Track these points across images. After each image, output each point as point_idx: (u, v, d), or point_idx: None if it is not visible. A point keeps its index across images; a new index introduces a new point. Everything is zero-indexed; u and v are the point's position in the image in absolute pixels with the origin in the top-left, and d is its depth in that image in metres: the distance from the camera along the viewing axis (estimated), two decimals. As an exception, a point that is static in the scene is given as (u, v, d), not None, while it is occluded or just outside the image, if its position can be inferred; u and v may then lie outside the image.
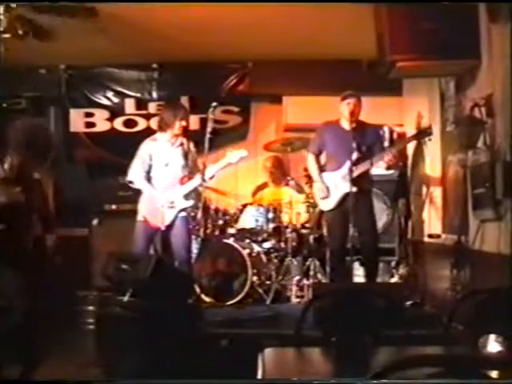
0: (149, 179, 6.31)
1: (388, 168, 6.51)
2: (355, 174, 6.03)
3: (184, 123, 6.31)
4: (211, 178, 6.32)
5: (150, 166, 6.30)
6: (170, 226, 6.23)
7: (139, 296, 5.07)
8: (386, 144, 7.30)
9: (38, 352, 4.66)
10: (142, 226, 6.25)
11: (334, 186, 6.28)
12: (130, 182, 6.39)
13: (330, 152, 6.44)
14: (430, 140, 6.28)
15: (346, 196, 6.15)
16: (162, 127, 6.35)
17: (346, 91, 6.31)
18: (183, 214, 6.27)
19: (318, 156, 6.53)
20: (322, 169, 6.47)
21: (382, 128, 7.49)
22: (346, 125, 6.29)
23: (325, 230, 6.89)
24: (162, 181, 6.29)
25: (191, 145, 6.42)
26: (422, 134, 6.27)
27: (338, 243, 6.31)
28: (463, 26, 5.31)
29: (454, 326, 3.44)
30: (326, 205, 6.40)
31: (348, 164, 6.06)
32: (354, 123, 6.22)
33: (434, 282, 6.53)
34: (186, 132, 6.42)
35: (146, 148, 6.34)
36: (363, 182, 6.18)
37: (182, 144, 6.35)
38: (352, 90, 6.32)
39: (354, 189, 5.97)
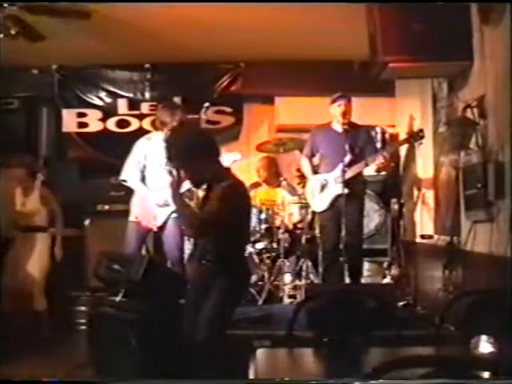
0: (142, 179, 6.26)
1: (378, 170, 6.50)
2: (349, 175, 6.06)
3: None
4: None
5: (144, 166, 6.24)
6: (162, 227, 6.20)
7: (131, 296, 5.06)
8: (379, 145, 7.32)
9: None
10: (134, 226, 6.21)
11: (326, 187, 6.30)
12: (124, 181, 6.33)
13: (322, 154, 6.46)
14: (421, 144, 6.29)
15: (338, 197, 6.16)
16: (158, 127, 6.33)
17: (335, 93, 6.33)
18: (176, 214, 6.25)
19: (310, 158, 6.57)
20: (315, 170, 6.50)
21: (374, 129, 7.51)
22: (337, 127, 6.30)
23: (317, 231, 6.90)
24: (155, 181, 6.26)
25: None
26: (414, 137, 6.26)
27: (330, 244, 6.33)
28: (455, 26, 5.32)
29: (446, 327, 3.46)
30: (319, 206, 6.42)
31: (341, 166, 6.08)
32: (346, 125, 6.21)
33: (426, 283, 6.53)
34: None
35: (141, 147, 6.28)
36: (356, 184, 6.19)
37: (177, 145, 6.33)
38: (344, 91, 6.34)
39: (347, 190, 5.99)
